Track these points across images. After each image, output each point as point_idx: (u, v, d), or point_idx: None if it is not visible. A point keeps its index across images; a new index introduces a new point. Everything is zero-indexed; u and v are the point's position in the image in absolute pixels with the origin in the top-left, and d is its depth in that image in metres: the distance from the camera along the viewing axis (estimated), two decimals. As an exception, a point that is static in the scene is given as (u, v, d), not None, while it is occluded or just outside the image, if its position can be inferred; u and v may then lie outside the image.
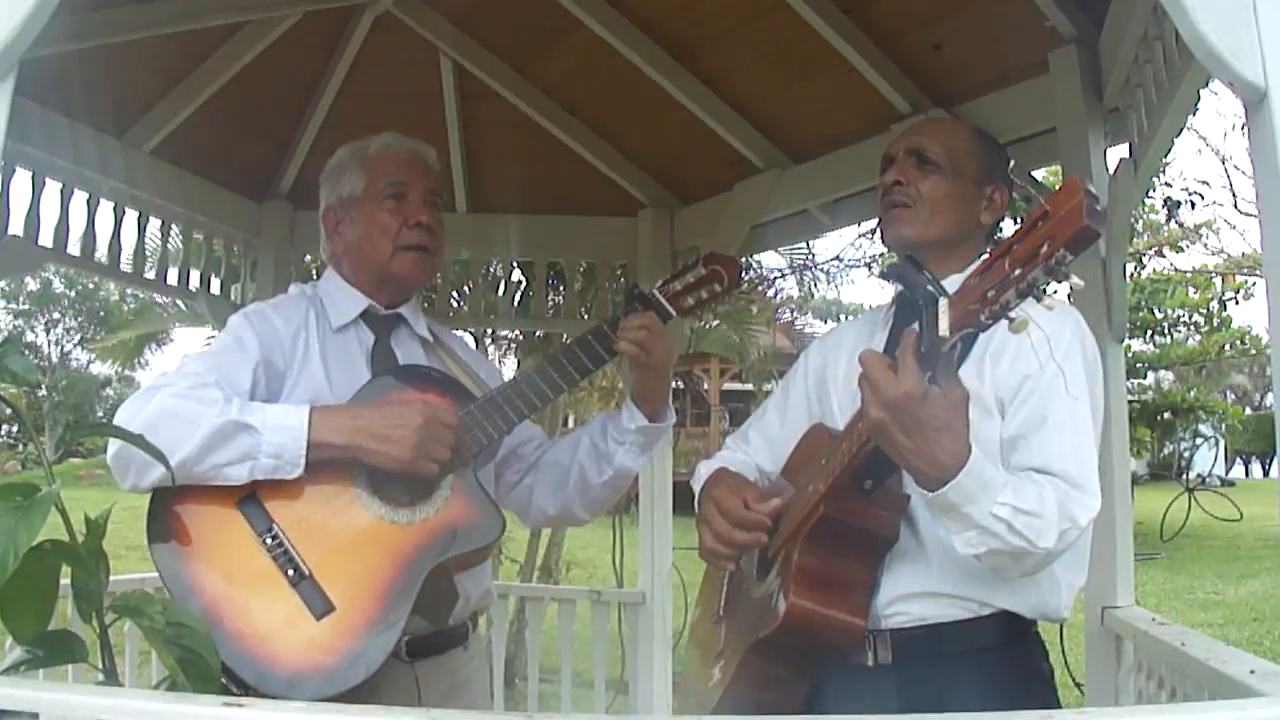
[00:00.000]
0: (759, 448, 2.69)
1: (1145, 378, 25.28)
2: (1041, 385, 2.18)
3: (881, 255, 14.30)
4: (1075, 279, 1.60)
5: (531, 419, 2.76)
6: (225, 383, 2.35)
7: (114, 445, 2.22)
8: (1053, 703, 2.34)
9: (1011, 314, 1.66)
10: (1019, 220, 2.24)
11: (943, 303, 1.75)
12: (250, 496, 2.29)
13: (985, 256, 1.72)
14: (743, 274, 2.87)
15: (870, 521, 2.21)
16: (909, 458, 1.93)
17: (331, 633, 2.20)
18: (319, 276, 2.82)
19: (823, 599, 2.18)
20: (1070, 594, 2.33)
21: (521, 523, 3.06)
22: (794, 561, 2.19)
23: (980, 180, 2.45)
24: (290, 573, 2.24)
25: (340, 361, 2.58)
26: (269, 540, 2.27)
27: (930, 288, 1.79)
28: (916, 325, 1.82)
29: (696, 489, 2.59)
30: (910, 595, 2.23)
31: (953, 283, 1.81)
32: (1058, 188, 1.62)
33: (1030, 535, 1.98)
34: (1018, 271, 1.62)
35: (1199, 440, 28.94)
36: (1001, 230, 2.78)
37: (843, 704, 2.24)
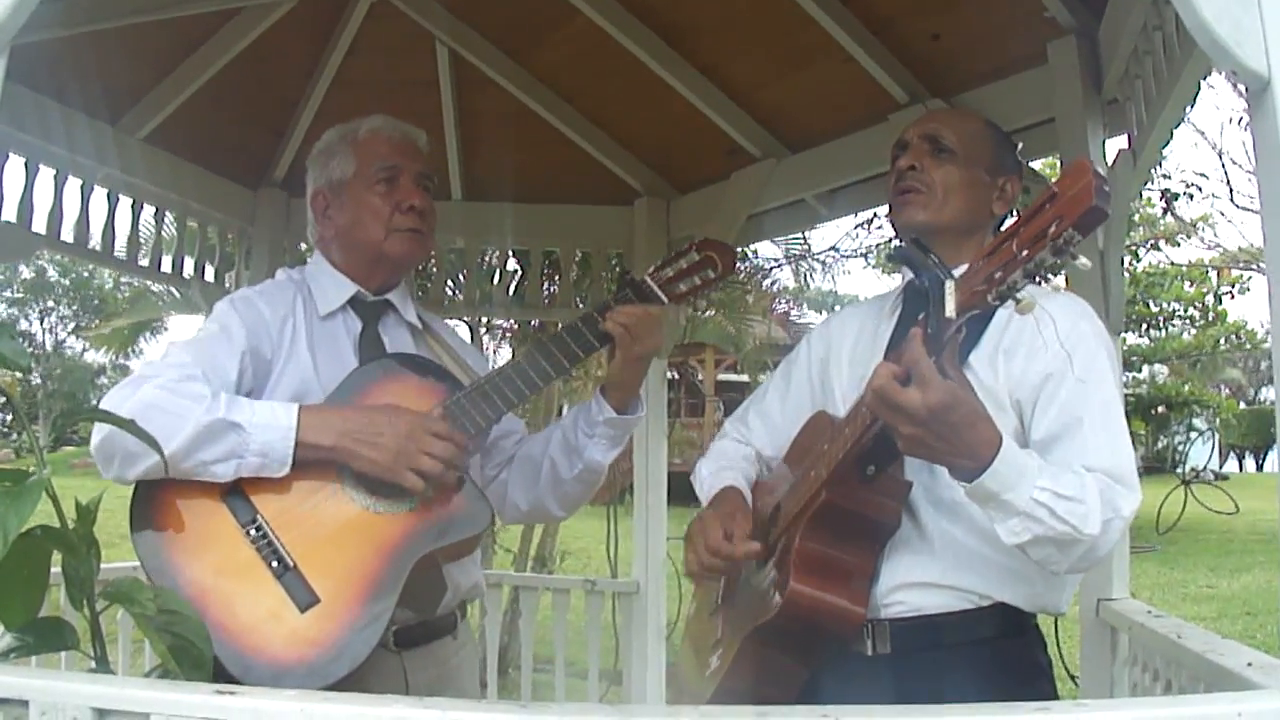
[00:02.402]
0: (759, 431, 2.69)
1: (1140, 371, 25.37)
2: (1067, 383, 2.17)
3: (879, 245, 14.29)
4: (1082, 259, 1.59)
5: (516, 413, 2.75)
6: (211, 372, 2.33)
7: (98, 435, 2.20)
8: (1051, 696, 2.33)
9: (1018, 295, 1.65)
10: (1016, 213, 2.21)
11: (949, 285, 1.75)
12: (234, 488, 2.27)
13: (992, 239, 1.71)
14: (737, 260, 2.85)
15: (871, 508, 2.20)
16: (947, 458, 1.93)
17: (316, 625, 2.18)
18: (311, 263, 2.80)
19: (823, 585, 2.17)
20: (1071, 588, 2.34)
21: (498, 518, 3.04)
22: (794, 547, 2.18)
23: (993, 170, 2.44)
24: (274, 564, 2.22)
25: (328, 349, 2.56)
26: (253, 531, 2.25)
27: (936, 270, 1.78)
28: (921, 321, 1.81)
29: (699, 490, 2.59)
30: (910, 585, 2.23)
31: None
32: (1065, 170, 1.61)
33: (1074, 521, 1.96)
34: (1025, 252, 1.62)
35: (1193, 434, 29.02)
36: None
37: (840, 694, 2.23)
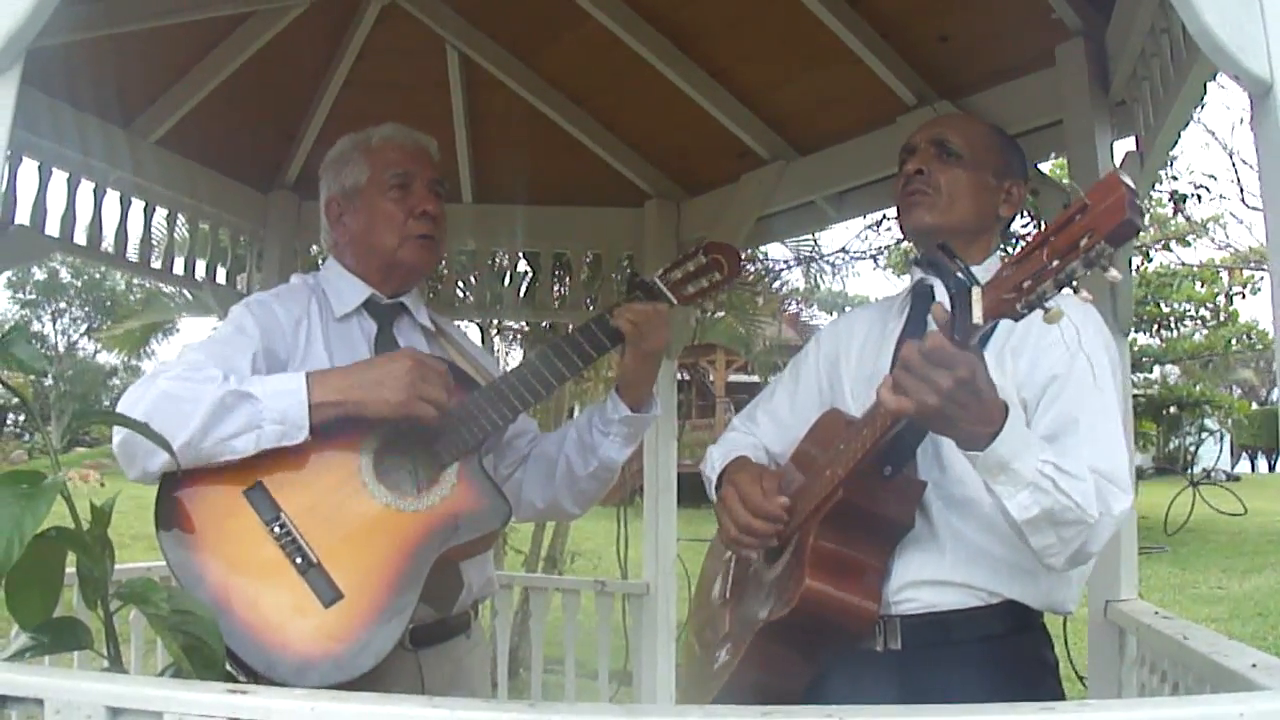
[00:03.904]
0: (767, 429, 2.70)
1: (1151, 372, 25.27)
2: (1070, 385, 2.19)
3: (888, 247, 14.28)
4: (1113, 271, 1.61)
5: (529, 412, 2.77)
6: (225, 368, 2.34)
7: (119, 433, 2.22)
8: (1058, 692, 2.36)
9: (1047, 304, 1.67)
10: (1028, 214, 2.22)
11: (975, 291, 1.76)
12: (257, 485, 2.29)
13: (1020, 247, 1.73)
14: (742, 263, 2.87)
15: (888, 508, 2.22)
16: (967, 426, 1.94)
17: (340, 620, 2.20)
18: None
19: (838, 583, 2.19)
20: (1078, 587, 2.35)
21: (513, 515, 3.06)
22: (809, 545, 2.20)
23: (1000, 174, 2.47)
24: (298, 560, 2.24)
25: (344, 350, 2.58)
26: (277, 528, 2.26)
27: (962, 275, 1.80)
28: (945, 325, 1.82)
29: (711, 475, 2.61)
30: (921, 582, 2.25)
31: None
32: (1097, 183, 1.63)
33: (1077, 497, 1.99)
34: (1055, 263, 1.63)
35: (1205, 435, 28.89)
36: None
37: (850, 689, 2.25)
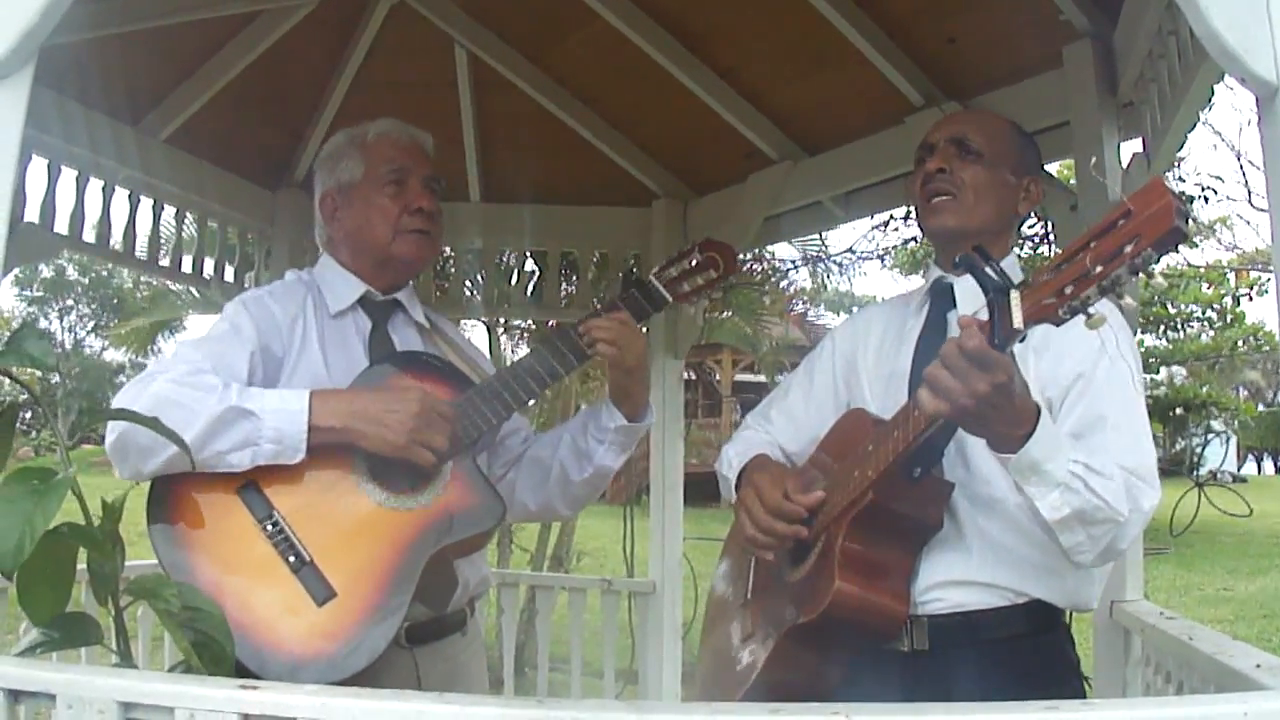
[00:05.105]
0: (782, 427, 2.70)
1: (1158, 373, 25.26)
2: (1095, 383, 2.21)
3: (894, 248, 14.27)
4: (1159, 278, 1.62)
5: (523, 411, 2.76)
6: (222, 369, 2.34)
7: (112, 434, 2.22)
8: (1081, 690, 2.39)
9: (1090, 310, 1.67)
10: (1033, 214, 2.23)
11: (1015, 295, 1.76)
12: (250, 484, 2.29)
13: (1059, 251, 1.73)
14: (738, 260, 2.87)
15: (918, 509, 2.23)
16: (1001, 427, 1.96)
17: (333, 619, 2.19)
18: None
19: (868, 584, 2.20)
20: (1100, 585, 2.38)
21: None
22: (838, 546, 2.20)
23: (1018, 170, 2.47)
24: (291, 559, 2.24)
25: (338, 347, 2.58)
26: (270, 527, 2.26)
27: (998, 278, 1.80)
28: (982, 328, 1.82)
29: (729, 474, 2.61)
30: (948, 583, 2.26)
31: None
32: (1141, 188, 1.62)
33: (1107, 496, 2.01)
34: (1100, 269, 1.63)
35: (1211, 436, 28.87)
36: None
37: (876, 690, 2.25)
